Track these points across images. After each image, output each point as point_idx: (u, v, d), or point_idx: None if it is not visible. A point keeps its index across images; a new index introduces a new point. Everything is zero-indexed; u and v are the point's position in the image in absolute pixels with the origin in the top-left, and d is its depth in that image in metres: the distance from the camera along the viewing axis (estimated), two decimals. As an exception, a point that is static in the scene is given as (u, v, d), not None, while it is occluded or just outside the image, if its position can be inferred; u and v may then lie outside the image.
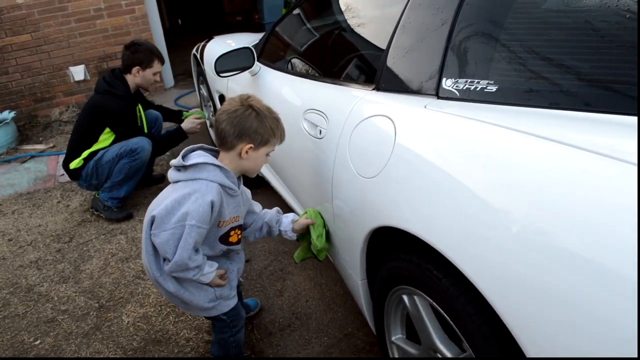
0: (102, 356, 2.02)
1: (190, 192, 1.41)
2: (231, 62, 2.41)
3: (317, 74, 2.11)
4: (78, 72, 5.23)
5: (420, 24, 1.39)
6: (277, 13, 6.95)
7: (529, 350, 0.85)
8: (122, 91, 2.93)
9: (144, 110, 3.20)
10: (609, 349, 0.72)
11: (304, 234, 1.78)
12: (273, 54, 2.60)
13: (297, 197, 2.19)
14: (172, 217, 1.40)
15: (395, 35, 1.48)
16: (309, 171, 1.84)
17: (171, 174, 1.50)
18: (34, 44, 5.00)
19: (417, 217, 1.15)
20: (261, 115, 1.47)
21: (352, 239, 1.52)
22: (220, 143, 1.51)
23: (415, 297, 1.29)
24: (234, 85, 2.83)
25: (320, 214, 1.75)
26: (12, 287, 2.52)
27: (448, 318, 1.13)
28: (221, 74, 2.43)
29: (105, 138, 2.96)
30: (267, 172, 2.61)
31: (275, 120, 1.51)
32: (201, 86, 3.94)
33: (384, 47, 1.52)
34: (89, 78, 5.31)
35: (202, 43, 3.78)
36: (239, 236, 1.63)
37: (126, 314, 2.24)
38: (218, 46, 3.37)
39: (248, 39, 3.24)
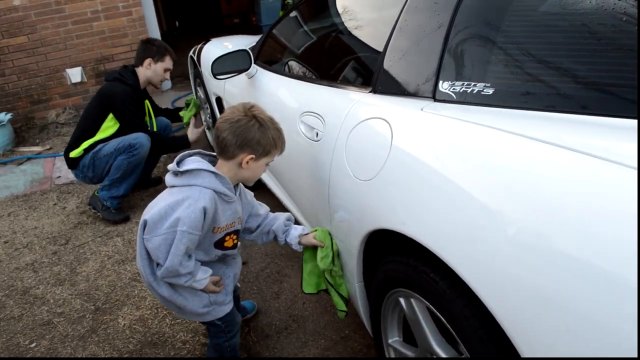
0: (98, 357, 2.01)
1: (184, 198, 1.40)
2: (228, 65, 2.41)
3: (314, 77, 2.11)
4: (75, 74, 5.22)
5: (417, 27, 1.40)
6: (275, 15, 6.95)
7: (526, 353, 0.85)
8: (131, 81, 2.99)
9: (155, 116, 3.25)
10: (606, 352, 0.71)
11: (309, 248, 1.72)
12: (270, 56, 2.60)
13: (294, 199, 2.18)
14: (164, 223, 1.40)
15: (392, 37, 1.48)
16: (306, 174, 1.84)
17: (168, 179, 1.49)
18: (31, 45, 4.99)
19: (413, 220, 1.14)
20: (264, 127, 1.45)
21: (348, 242, 1.51)
22: (220, 152, 1.49)
23: (412, 300, 1.29)
24: (231, 88, 2.83)
25: (330, 234, 1.66)
26: (7, 289, 2.51)
27: (445, 321, 1.12)
28: (218, 76, 2.42)
29: (109, 126, 2.97)
30: (264, 174, 2.60)
31: (278, 131, 1.50)
32: (198, 88, 3.94)
33: (380, 49, 1.52)
34: (85, 80, 5.30)
35: (199, 45, 3.77)
36: (235, 241, 1.62)
37: (122, 316, 2.23)
38: (215, 48, 3.36)
39: (245, 41, 3.23)
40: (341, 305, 1.70)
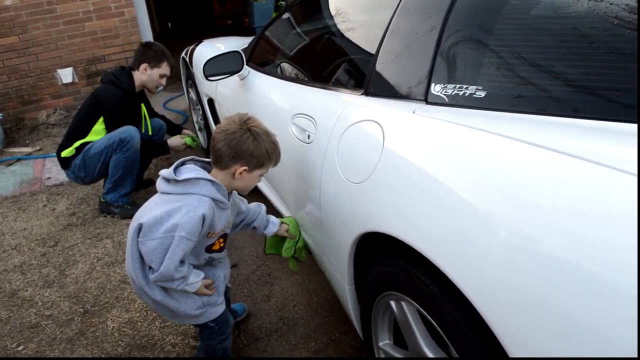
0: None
1: (182, 206, 1.41)
2: (220, 66, 2.40)
3: (306, 79, 2.10)
4: (66, 75, 5.18)
5: (409, 29, 1.39)
6: (267, 17, 6.96)
7: (516, 356, 0.85)
8: (126, 85, 2.96)
9: (150, 117, 3.24)
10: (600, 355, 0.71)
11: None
12: (262, 57, 2.59)
13: (285, 201, 2.18)
14: (160, 227, 1.40)
15: (385, 40, 1.48)
16: (297, 176, 1.83)
17: (161, 185, 1.48)
18: (22, 45, 4.95)
19: (404, 223, 1.14)
20: (258, 140, 1.46)
21: (339, 245, 1.51)
22: (215, 161, 1.51)
23: (403, 303, 1.28)
24: (223, 89, 2.82)
25: (297, 224, 1.81)
26: (-5, 291, 2.48)
27: (435, 324, 1.12)
28: (210, 78, 2.41)
29: (99, 130, 2.95)
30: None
31: (272, 144, 1.52)
32: (190, 90, 3.93)
33: (373, 52, 1.52)
34: (77, 81, 5.26)
35: (192, 46, 3.76)
36: (222, 244, 1.63)
37: (111, 319, 2.21)
38: (207, 49, 3.36)
39: (237, 43, 3.23)
40: (294, 265, 2.00)
